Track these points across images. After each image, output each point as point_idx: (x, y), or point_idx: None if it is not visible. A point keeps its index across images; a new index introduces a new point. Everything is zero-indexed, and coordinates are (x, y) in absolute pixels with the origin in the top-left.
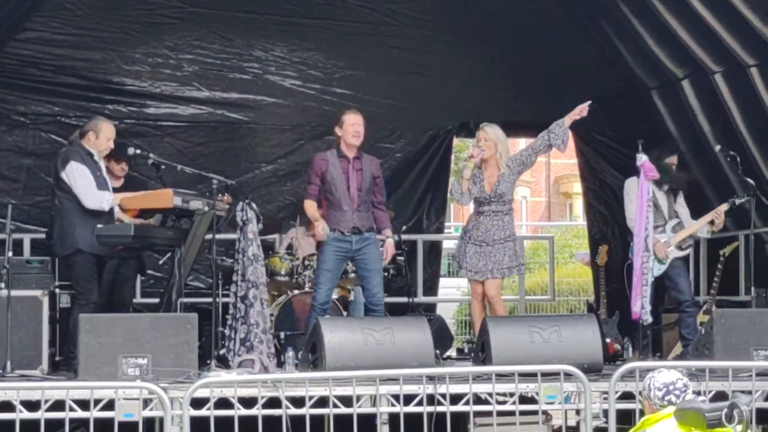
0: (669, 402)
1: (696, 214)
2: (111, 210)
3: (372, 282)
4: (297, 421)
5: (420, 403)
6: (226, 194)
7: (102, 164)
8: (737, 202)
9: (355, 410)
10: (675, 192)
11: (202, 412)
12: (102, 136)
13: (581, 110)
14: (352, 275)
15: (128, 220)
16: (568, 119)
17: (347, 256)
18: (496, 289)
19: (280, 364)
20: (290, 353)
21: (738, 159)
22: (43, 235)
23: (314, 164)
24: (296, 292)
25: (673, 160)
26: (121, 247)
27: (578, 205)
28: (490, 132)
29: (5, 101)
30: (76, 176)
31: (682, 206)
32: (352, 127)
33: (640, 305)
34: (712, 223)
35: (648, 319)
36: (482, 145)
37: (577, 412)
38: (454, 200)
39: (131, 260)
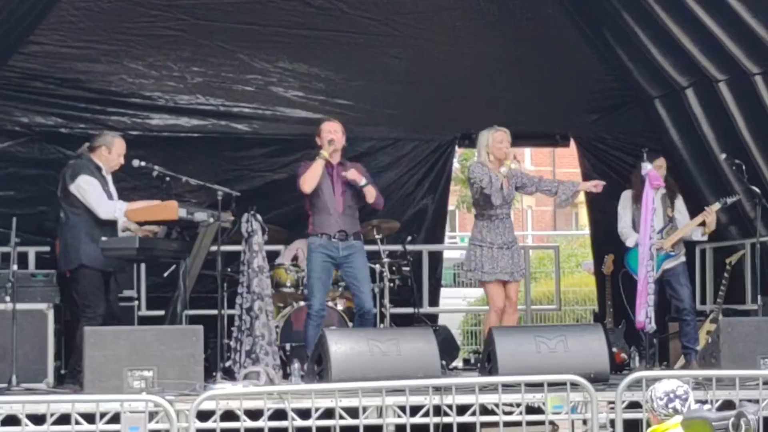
0: (674, 410)
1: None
2: (115, 225)
3: (361, 290)
4: None
5: (426, 414)
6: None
7: (109, 179)
8: (728, 201)
9: (362, 422)
10: (672, 198)
11: (208, 424)
12: (114, 152)
13: (596, 185)
14: None
15: (134, 227)
16: (582, 186)
17: (334, 262)
18: (516, 292)
19: (286, 376)
20: (296, 365)
21: (743, 167)
22: (47, 248)
23: (300, 171)
24: (301, 303)
25: (659, 162)
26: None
27: (584, 214)
28: (508, 133)
29: (9, 114)
30: (87, 189)
31: (679, 212)
32: (327, 134)
33: (644, 315)
34: (704, 224)
35: (654, 327)
36: (507, 146)
37: (584, 422)
38: (476, 188)
39: (117, 273)
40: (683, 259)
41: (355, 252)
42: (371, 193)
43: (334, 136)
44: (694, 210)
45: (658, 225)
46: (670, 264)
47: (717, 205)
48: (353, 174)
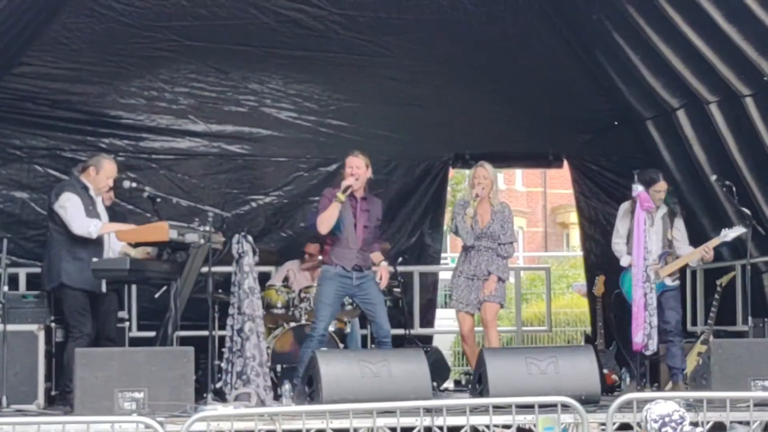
0: None
1: (691, 243)
2: (100, 242)
3: (378, 315)
4: None
5: None
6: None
7: (98, 200)
8: (731, 236)
9: None
10: (672, 217)
11: None
12: (102, 174)
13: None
14: (349, 308)
15: (134, 252)
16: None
17: (348, 292)
18: (492, 314)
19: (277, 397)
20: (287, 386)
21: (734, 189)
22: (38, 269)
23: (321, 204)
24: (292, 324)
25: (658, 187)
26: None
27: (575, 235)
28: (489, 170)
29: (1, 135)
30: (66, 205)
31: (678, 231)
32: (348, 168)
33: (641, 336)
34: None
35: (654, 348)
36: (483, 183)
37: None
38: (452, 233)
39: (112, 294)
40: (677, 283)
41: (367, 280)
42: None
43: (356, 172)
44: (690, 232)
45: (656, 246)
46: (665, 290)
47: (716, 241)
48: (384, 280)
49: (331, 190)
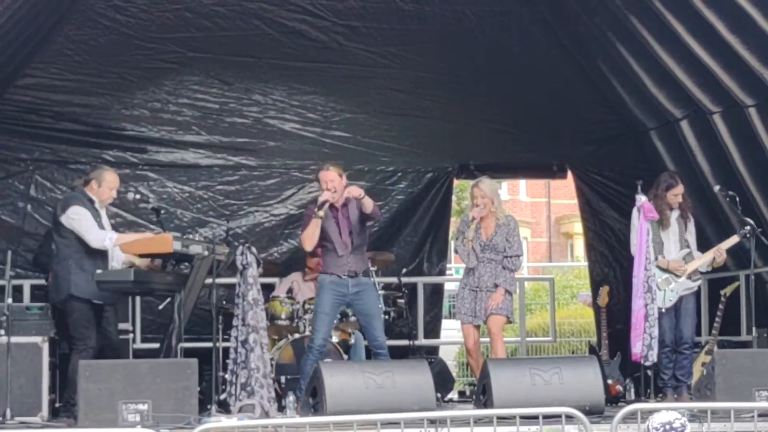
0: None
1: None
2: (105, 253)
3: (373, 326)
4: None
5: None
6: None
7: (103, 212)
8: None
9: None
10: (686, 219)
11: None
12: (105, 186)
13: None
14: (353, 319)
15: (139, 262)
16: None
17: (344, 300)
18: (498, 326)
19: (281, 409)
20: (291, 397)
21: (737, 199)
22: (42, 281)
23: (308, 212)
24: (297, 336)
25: (677, 191)
26: None
27: (579, 245)
28: (485, 188)
29: (5, 147)
30: (78, 218)
31: (691, 234)
32: (324, 184)
33: (640, 347)
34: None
35: (654, 359)
36: (480, 203)
37: None
38: (456, 245)
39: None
40: (697, 288)
41: (364, 289)
42: (369, 204)
43: (331, 186)
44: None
45: (675, 247)
46: (687, 293)
47: (730, 242)
48: (355, 190)
49: (314, 207)
